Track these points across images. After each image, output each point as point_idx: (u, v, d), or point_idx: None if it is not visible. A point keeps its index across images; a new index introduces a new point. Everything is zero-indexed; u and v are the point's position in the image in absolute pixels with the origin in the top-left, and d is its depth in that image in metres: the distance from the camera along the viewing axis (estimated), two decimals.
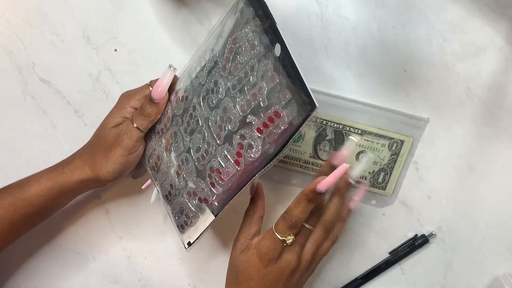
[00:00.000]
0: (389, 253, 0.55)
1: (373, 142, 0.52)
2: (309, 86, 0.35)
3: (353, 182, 0.45)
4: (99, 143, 0.47)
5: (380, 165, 0.53)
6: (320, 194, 0.40)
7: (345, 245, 0.56)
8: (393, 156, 0.52)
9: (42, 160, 0.55)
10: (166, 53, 0.51)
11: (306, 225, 0.43)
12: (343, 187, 0.45)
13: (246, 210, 0.47)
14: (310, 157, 0.53)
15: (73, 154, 0.49)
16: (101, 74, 0.52)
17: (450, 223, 0.54)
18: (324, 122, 0.52)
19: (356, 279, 0.56)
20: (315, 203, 0.41)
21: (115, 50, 0.52)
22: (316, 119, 0.51)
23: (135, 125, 0.46)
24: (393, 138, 0.52)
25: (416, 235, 0.55)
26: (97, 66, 0.52)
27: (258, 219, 0.46)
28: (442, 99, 0.51)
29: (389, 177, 0.53)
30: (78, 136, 0.54)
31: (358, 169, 0.45)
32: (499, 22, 0.48)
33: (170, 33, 0.51)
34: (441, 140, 0.52)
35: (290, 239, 0.42)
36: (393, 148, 0.52)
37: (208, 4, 0.50)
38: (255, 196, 0.47)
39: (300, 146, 0.53)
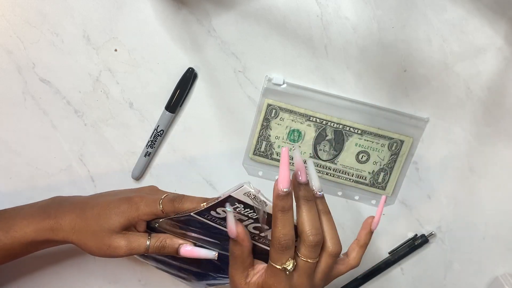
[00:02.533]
0: (389, 253, 0.55)
1: (373, 142, 0.52)
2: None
3: (319, 193, 0.40)
4: (96, 230, 0.44)
5: (380, 165, 0.53)
6: (286, 195, 0.37)
7: (345, 245, 0.56)
8: (393, 156, 0.52)
9: (42, 160, 0.55)
10: (166, 53, 0.51)
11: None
12: (310, 198, 0.40)
13: (230, 248, 0.42)
14: (310, 157, 0.53)
15: (59, 205, 0.47)
16: (101, 74, 0.52)
17: (450, 223, 0.54)
18: (324, 122, 0.52)
19: (356, 279, 0.56)
20: (288, 209, 0.37)
21: (115, 50, 0.52)
22: (316, 119, 0.52)
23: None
24: (393, 138, 0.52)
25: (416, 235, 0.55)
26: (97, 66, 0.52)
27: (248, 255, 0.41)
28: (442, 99, 0.51)
29: (389, 177, 0.53)
30: (78, 136, 0.54)
31: (315, 179, 0.40)
32: (499, 23, 0.48)
33: (170, 33, 0.51)
34: (441, 140, 0.52)
35: (289, 264, 0.38)
36: (393, 148, 0.52)
37: (208, 4, 0.50)
38: (239, 237, 0.40)
39: (300, 146, 0.53)
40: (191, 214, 0.41)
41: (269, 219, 0.39)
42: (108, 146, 0.54)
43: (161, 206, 0.44)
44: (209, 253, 0.44)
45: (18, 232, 0.45)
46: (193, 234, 0.44)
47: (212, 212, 0.40)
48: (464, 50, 0.49)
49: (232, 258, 0.41)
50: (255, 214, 0.39)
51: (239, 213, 0.39)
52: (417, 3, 0.48)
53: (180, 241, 0.45)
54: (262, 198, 0.38)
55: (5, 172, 0.56)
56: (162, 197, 0.45)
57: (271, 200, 0.38)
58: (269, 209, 0.39)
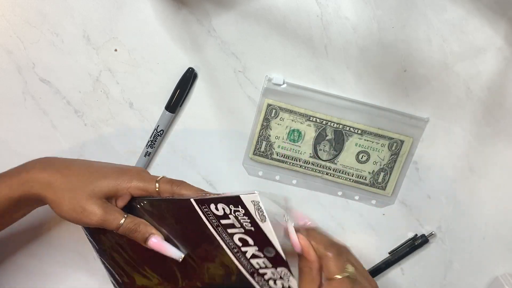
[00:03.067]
0: (389, 253, 0.55)
1: (373, 142, 0.52)
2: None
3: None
4: (76, 188, 0.42)
5: (380, 165, 0.53)
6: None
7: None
8: (393, 156, 0.52)
9: None
10: (166, 53, 0.51)
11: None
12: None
13: (299, 265, 0.40)
14: (310, 157, 0.53)
15: (38, 161, 0.45)
16: (101, 74, 0.52)
17: (450, 223, 0.54)
18: (324, 122, 0.52)
19: None
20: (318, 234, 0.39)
21: (115, 50, 0.52)
22: (316, 119, 0.52)
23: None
24: (393, 138, 0.52)
25: (416, 235, 0.55)
26: (97, 66, 0.52)
27: (317, 272, 0.39)
28: (442, 99, 0.51)
29: (389, 177, 0.53)
30: (78, 136, 0.54)
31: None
32: (499, 23, 0.48)
33: (170, 33, 0.51)
34: (441, 140, 0.52)
35: (349, 268, 0.37)
36: (393, 148, 0.52)
37: (208, 4, 0.50)
38: (303, 251, 0.39)
39: (300, 146, 0.53)
40: (190, 199, 0.40)
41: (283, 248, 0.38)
42: (108, 146, 0.54)
43: (157, 185, 0.43)
44: (177, 253, 0.42)
45: None
46: (165, 231, 0.43)
47: (212, 206, 0.39)
48: (464, 50, 0.49)
49: (301, 275, 0.39)
50: (250, 225, 0.38)
51: (236, 217, 0.39)
52: (417, 3, 0.48)
53: (153, 230, 0.43)
54: (265, 213, 0.37)
55: None
56: (160, 176, 0.44)
57: (273, 217, 0.38)
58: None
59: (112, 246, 0.46)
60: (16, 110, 0.54)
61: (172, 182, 0.43)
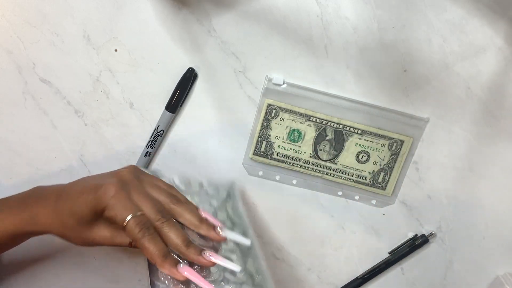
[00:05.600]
0: (389, 253, 0.55)
1: (373, 142, 0.52)
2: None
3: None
4: (73, 226, 0.40)
5: (380, 165, 0.53)
6: None
7: (345, 245, 0.56)
8: (393, 156, 0.52)
9: (42, 160, 0.55)
10: (166, 53, 0.51)
11: None
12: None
13: None
14: (310, 157, 0.53)
15: (38, 196, 0.43)
16: (101, 74, 0.52)
17: (450, 223, 0.54)
18: (324, 122, 0.52)
19: (356, 279, 0.56)
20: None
21: (115, 50, 0.52)
22: (316, 119, 0.52)
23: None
24: (393, 138, 0.52)
25: (416, 235, 0.55)
26: (97, 66, 0.52)
27: None
28: (442, 99, 0.51)
29: (389, 177, 0.53)
30: (78, 136, 0.54)
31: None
32: (499, 22, 0.48)
33: (170, 33, 0.51)
34: (441, 140, 0.52)
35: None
36: (393, 148, 0.52)
37: (208, 4, 0.50)
38: None
39: (300, 146, 0.53)
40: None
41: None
42: (108, 146, 0.54)
43: (126, 231, 0.38)
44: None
45: None
46: None
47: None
48: (464, 50, 0.49)
49: None
50: None
51: None
52: (417, 3, 0.48)
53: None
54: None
55: (5, 172, 0.56)
56: (128, 217, 0.38)
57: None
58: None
59: None
60: (16, 110, 0.54)
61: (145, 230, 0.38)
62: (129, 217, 0.38)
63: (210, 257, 0.39)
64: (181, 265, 0.39)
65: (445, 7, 0.48)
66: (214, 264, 0.40)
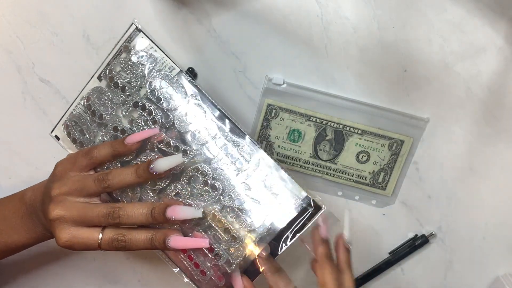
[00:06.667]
0: (389, 253, 0.55)
1: (373, 142, 0.52)
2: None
3: (350, 246, 0.45)
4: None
5: (380, 165, 0.53)
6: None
7: None
8: (393, 156, 0.52)
9: (42, 160, 0.55)
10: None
11: None
12: (346, 254, 0.45)
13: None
14: (310, 157, 0.53)
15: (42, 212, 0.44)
16: None
17: (450, 223, 0.54)
18: (324, 122, 0.52)
19: (356, 279, 0.56)
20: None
21: None
22: (316, 119, 0.52)
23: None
24: (393, 138, 0.52)
25: (416, 235, 0.55)
26: (97, 66, 0.52)
27: None
28: (442, 99, 0.51)
29: (389, 177, 0.53)
30: None
31: (347, 230, 0.45)
32: (499, 22, 0.48)
33: (170, 33, 0.51)
34: (441, 140, 0.52)
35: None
36: (393, 148, 0.52)
37: (208, 4, 0.50)
38: None
39: (300, 146, 0.53)
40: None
41: None
42: None
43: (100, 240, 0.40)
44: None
45: (9, 240, 0.45)
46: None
47: None
48: (464, 50, 0.49)
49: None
50: None
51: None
52: (417, 3, 0.48)
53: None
54: None
55: (5, 172, 0.56)
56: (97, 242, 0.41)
57: None
58: None
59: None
60: (16, 110, 0.54)
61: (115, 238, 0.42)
62: (97, 241, 0.40)
63: (173, 243, 0.40)
64: (168, 243, 0.39)
65: (445, 7, 0.48)
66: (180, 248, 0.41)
